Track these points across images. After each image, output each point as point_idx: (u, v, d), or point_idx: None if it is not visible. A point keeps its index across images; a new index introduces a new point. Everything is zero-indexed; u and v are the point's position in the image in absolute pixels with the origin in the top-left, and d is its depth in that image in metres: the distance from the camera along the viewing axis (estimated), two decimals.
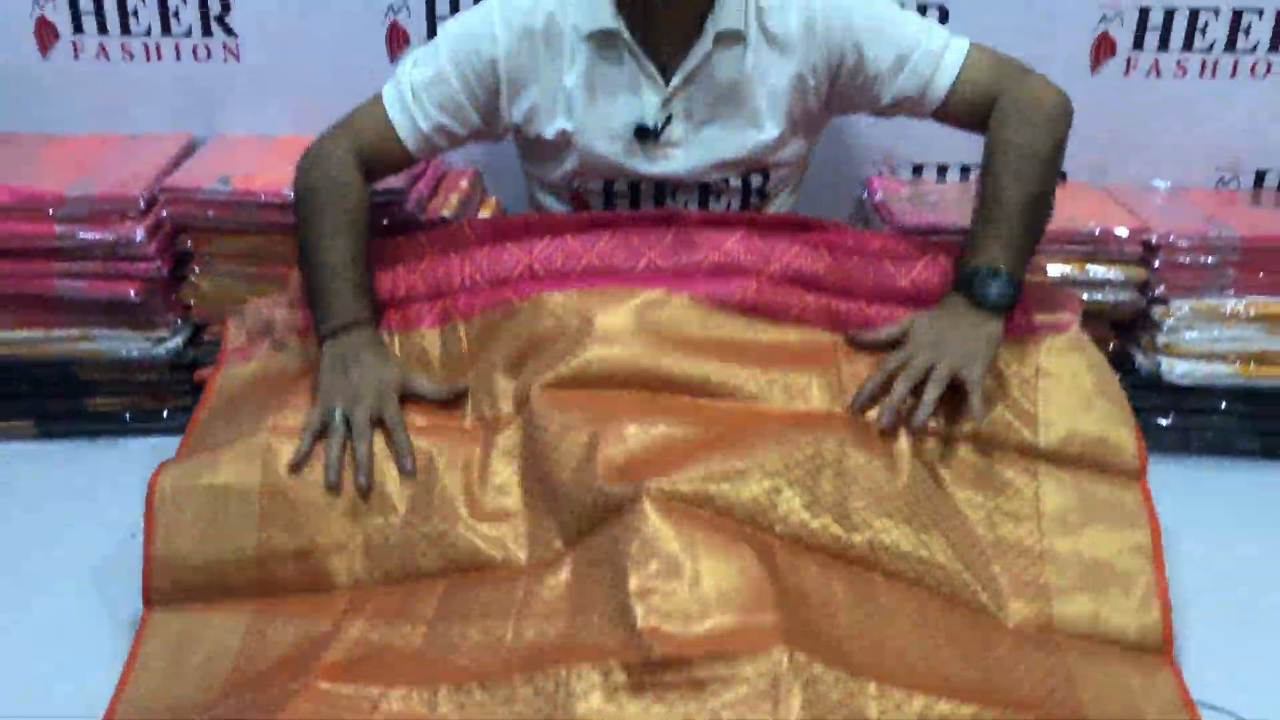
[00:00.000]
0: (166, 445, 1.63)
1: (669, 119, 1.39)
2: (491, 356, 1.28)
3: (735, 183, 1.46)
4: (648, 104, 1.38)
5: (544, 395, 1.20)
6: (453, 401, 1.27)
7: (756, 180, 1.47)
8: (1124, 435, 1.23)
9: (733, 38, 1.36)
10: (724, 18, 1.35)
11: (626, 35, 1.35)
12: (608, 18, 1.34)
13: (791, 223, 1.39)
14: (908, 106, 1.39)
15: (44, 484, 1.59)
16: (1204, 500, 1.55)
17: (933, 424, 1.20)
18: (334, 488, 1.17)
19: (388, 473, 1.19)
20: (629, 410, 1.17)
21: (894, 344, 1.27)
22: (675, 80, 1.37)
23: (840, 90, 1.41)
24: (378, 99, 1.39)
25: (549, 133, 1.40)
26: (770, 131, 1.40)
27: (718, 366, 1.23)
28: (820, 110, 1.44)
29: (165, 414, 1.68)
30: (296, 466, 1.18)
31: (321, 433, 1.21)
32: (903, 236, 1.47)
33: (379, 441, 1.21)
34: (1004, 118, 1.33)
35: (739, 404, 1.21)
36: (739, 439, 1.14)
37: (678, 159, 1.42)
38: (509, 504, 1.17)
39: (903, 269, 1.33)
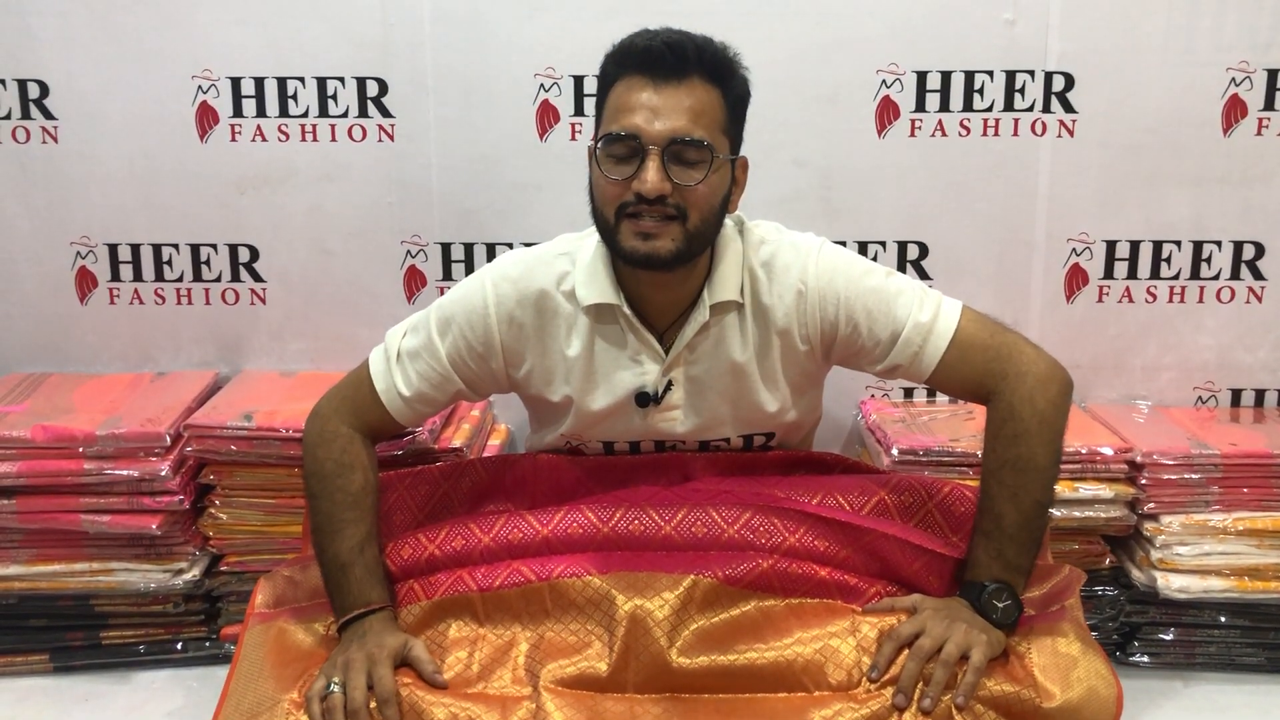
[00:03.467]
0: (181, 677, 1.66)
1: (669, 385, 1.42)
2: (508, 632, 1.30)
3: (736, 441, 1.49)
4: (649, 371, 1.41)
5: (561, 695, 1.22)
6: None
7: (759, 440, 1.50)
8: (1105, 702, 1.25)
9: (729, 308, 1.40)
10: (720, 290, 1.38)
11: (626, 309, 1.39)
12: (608, 292, 1.39)
13: (794, 459, 1.45)
14: (901, 374, 1.42)
15: None
16: (1211, 719, 1.56)
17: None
18: None
19: None
20: None
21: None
22: (674, 350, 1.40)
23: (836, 355, 1.43)
24: (366, 369, 1.43)
25: (554, 396, 1.44)
26: (770, 403, 1.43)
27: (742, 652, 1.25)
28: (820, 366, 1.46)
29: (180, 645, 1.70)
30: None
31: (325, 699, 1.22)
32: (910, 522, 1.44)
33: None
34: (998, 428, 1.35)
35: (764, 696, 1.24)
36: None
37: (678, 421, 1.44)
38: None
39: (909, 555, 1.36)
